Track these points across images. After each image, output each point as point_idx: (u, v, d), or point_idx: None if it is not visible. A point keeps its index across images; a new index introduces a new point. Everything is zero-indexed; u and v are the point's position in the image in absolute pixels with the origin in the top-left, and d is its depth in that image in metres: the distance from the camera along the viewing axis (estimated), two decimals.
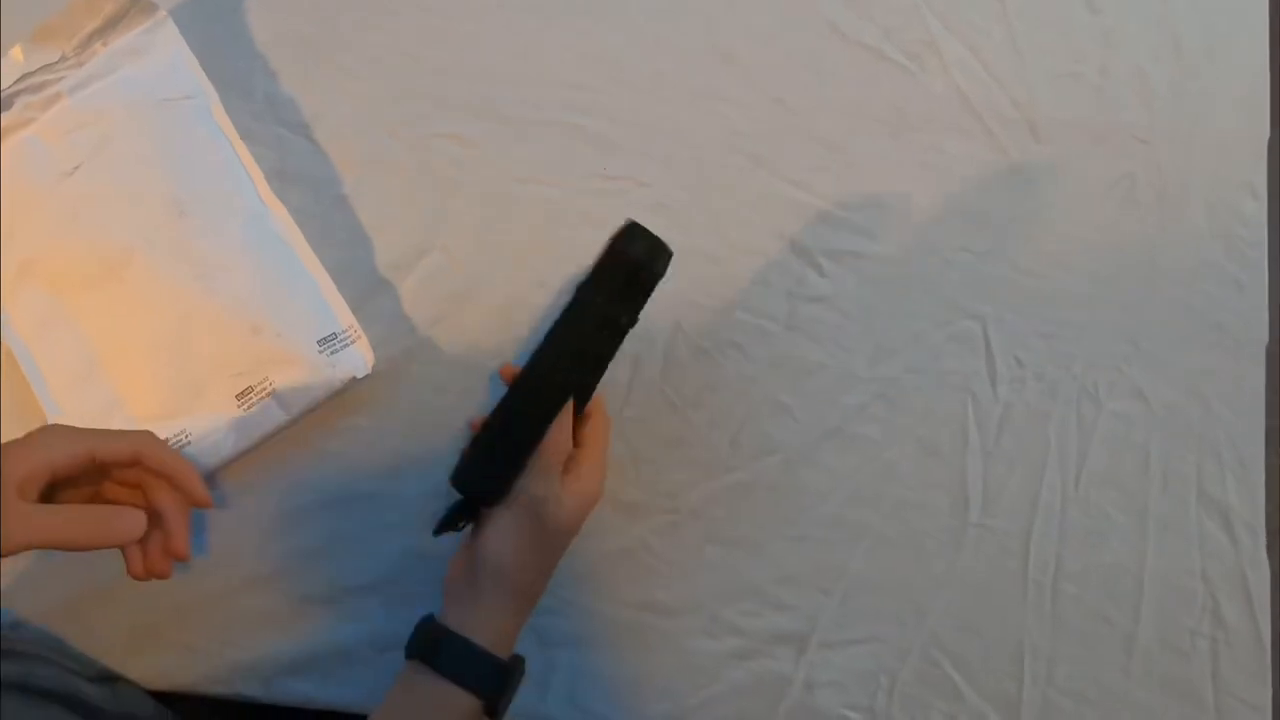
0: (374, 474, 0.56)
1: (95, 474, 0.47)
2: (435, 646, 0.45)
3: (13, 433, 0.46)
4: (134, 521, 0.45)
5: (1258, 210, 0.60)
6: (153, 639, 0.54)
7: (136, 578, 0.47)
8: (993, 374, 0.58)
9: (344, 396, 0.55)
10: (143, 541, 0.46)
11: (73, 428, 0.45)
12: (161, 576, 0.48)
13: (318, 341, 0.52)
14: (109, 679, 0.52)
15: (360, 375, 0.53)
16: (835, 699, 0.55)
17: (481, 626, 0.45)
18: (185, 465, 0.47)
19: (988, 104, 0.60)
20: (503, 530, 0.46)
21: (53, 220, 0.52)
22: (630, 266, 0.48)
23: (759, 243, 0.59)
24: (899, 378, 0.58)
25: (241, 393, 0.52)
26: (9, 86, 0.53)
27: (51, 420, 0.51)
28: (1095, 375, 0.59)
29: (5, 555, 0.42)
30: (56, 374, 0.52)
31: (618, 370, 0.57)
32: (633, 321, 0.49)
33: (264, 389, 0.52)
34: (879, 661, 0.56)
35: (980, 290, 0.59)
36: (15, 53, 0.53)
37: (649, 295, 0.49)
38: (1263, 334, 0.59)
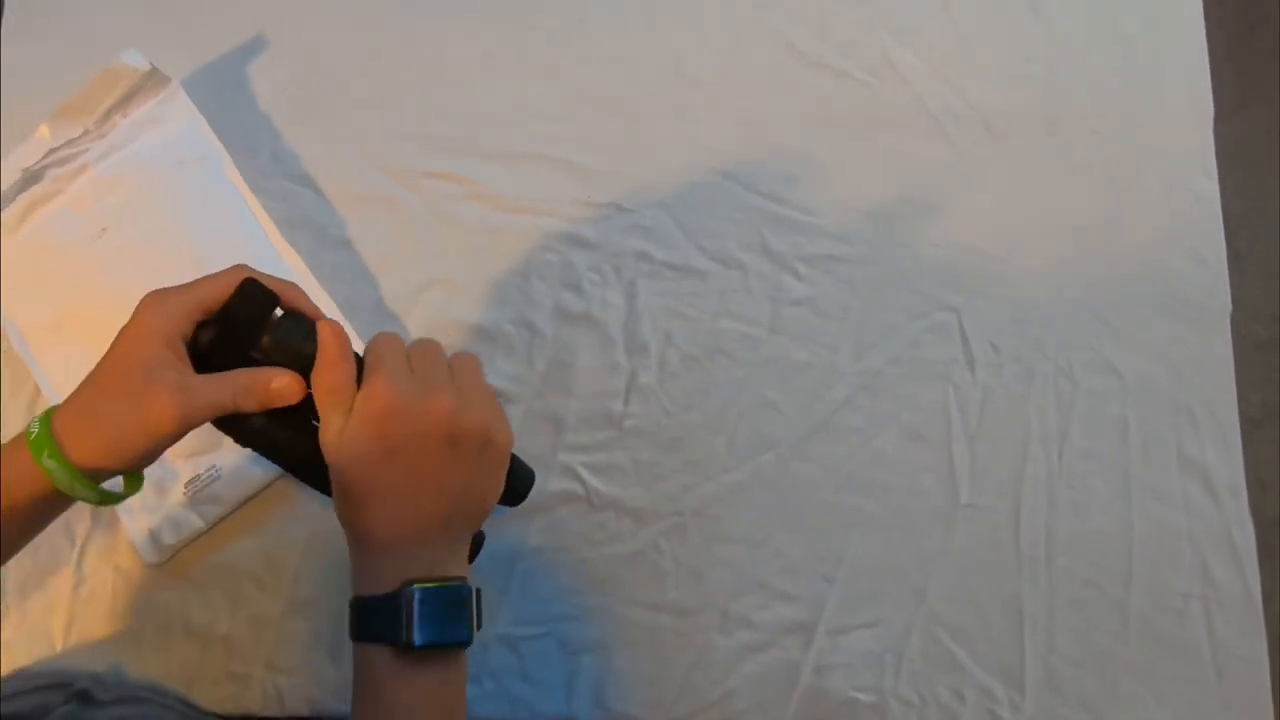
0: None
1: None
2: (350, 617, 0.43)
3: None
4: (291, 383, 0.43)
5: (1209, 187, 0.63)
6: (204, 672, 0.56)
7: None
8: (970, 361, 0.61)
9: None
10: None
11: (170, 292, 0.43)
12: None
13: None
14: (201, 712, 0.55)
15: None
16: (845, 682, 0.57)
17: (355, 582, 0.43)
18: (289, 286, 0.46)
19: (943, 107, 0.64)
20: None
21: (84, 281, 0.57)
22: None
23: (738, 254, 0.62)
24: (881, 370, 0.61)
25: None
26: (38, 161, 0.57)
27: None
28: (1069, 354, 0.61)
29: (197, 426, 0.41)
30: None
31: (615, 382, 0.60)
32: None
33: None
34: (884, 642, 0.58)
35: (952, 282, 0.62)
36: (42, 131, 0.58)
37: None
38: (1226, 301, 0.62)
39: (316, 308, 0.46)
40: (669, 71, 0.65)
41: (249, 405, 0.42)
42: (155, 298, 0.43)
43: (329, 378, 0.41)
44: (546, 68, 0.65)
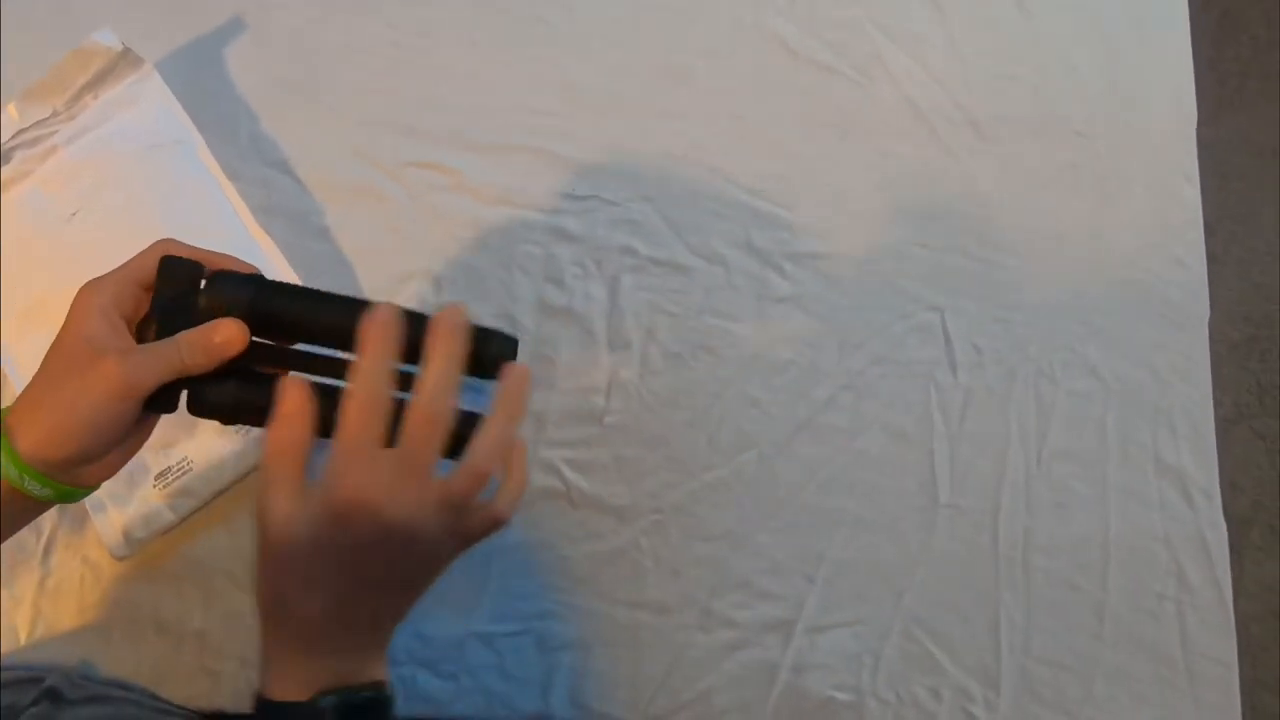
0: None
1: None
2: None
3: None
4: (234, 327, 0.41)
5: (1193, 194, 0.64)
6: (176, 667, 0.55)
7: None
8: (953, 361, 0.61)
9: None
10: None
11: (101, 276, 0.42)
12: None
13: None
14: (174, 711, 0.54)
15: None
16: (823, 681, 0.58)
17: (264, 671, 0.39)
18: (214, 254, 0.45)
19: (932, 108, 0.64)
20: None
21: (54, 265, 0.55)
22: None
23: (723, 250, 0.62)
24: (864, 370, 0.61)
25: None
26: (6, 141, 0.56)
27: None
28: (1050, 356, 0.62)
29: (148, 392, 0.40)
30: None
31: (597, 377, 0.60)
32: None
33: None
34: (862, 642, 0.58)
35: (936, 283, 0.62)
36: (10, 110, 0.56)
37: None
38: (1205, 306, 0.62)
39: (248, 265, 0.45)
40: (658, 65, 0.64)
41: (198, 360, 0.40)
42: (88, 283, 0.42)
43: (282, 434, 0.37)
44: (534, 59, 0.64)
